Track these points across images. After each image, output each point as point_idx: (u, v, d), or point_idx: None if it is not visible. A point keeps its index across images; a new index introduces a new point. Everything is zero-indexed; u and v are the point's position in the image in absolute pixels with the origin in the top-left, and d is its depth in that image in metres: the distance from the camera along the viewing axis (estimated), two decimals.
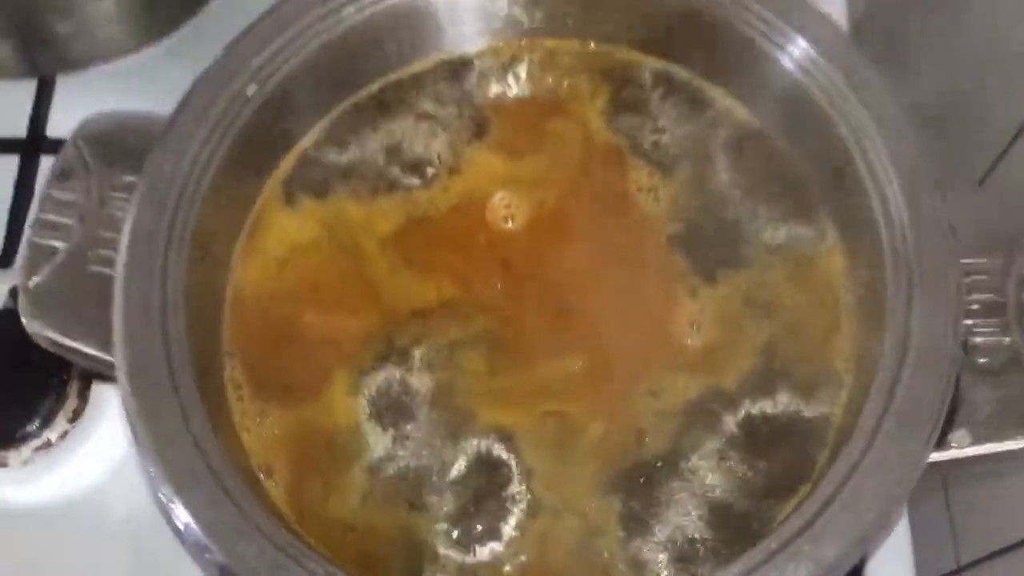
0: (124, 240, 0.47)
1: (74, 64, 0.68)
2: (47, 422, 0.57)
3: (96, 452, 0.58)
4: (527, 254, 0.52)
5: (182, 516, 0.42)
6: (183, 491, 0.42)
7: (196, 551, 0.42)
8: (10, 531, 0.57)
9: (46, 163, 0.66)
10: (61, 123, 0.67)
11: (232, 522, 0.42)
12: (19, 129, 0.67)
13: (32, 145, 0.67)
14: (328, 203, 0.53)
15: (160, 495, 0.43)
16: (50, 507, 0.57)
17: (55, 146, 0.65)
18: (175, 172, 0.48)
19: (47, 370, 0.58)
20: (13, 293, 0.58)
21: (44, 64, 0.68)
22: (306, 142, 0.54)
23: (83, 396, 0.59)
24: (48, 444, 0.58)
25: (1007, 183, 0.54)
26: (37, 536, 0.57)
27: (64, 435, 0.58)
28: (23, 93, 0.68)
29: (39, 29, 0.65)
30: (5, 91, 0.68)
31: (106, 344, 0.45)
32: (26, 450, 0.57)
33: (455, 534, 0.47)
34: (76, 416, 0.59)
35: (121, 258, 0.46)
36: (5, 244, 0.64)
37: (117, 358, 0.44)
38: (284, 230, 0.52)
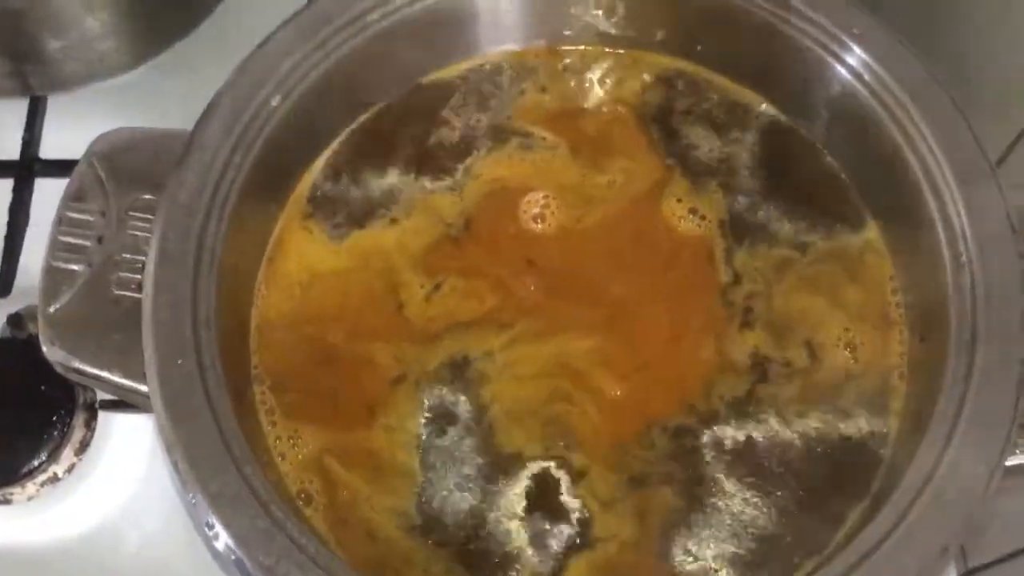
0: (151, 262, 0.45)
1: (67, 83, 0.66)
2: (53, 456, 0.55)
3: (105, 485, 0.56)
4: (562, 256, 0.51)
5: (231, 548, 0.40)
6: (232, 522, 0.41)
7: None
8: (16, 571, 0.55)
9: (40, 185, 0.64)
10: (55, 144, 0.65)
11: (285, 551, 0.40)
12: (11, 151, 0.65)
13: (26, 168, 0.64)
14: (353, 220, 0.52)
15: (206, 528, 0.41)
16: (58, 544, 0.55)
17: (49, 168, 0.63)
18: (201, 189, 0.47)
19: (51, 401, 0.55)
20: (12, 321, 0.56)
21: (36, 83, 0.66)
22: (329, 155, 0.53)
23: (89, 426, 0.57)
24: (55, 478, 0.56)
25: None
26: (45, 574, 0.55)
27: (71, 468, 0.56)
28: (14, 114, 0.65)
29: (31, 47, 0.63)
30: None
31: (134, 371, 0.44)
32: (32, 486, 0.55)
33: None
34: (83, 448, 0.56)
35: (148, 281, 0.45)
36: (3, 270, 0.61)
37: (151, 386, 0.43)
38: (307, 250, 0.51)
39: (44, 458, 0.55)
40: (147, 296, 0.44)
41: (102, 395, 0.56)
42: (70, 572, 0.55)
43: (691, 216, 0.52)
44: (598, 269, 0.51)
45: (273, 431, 0.48)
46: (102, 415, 0.57)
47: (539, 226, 0.52)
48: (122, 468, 0.57)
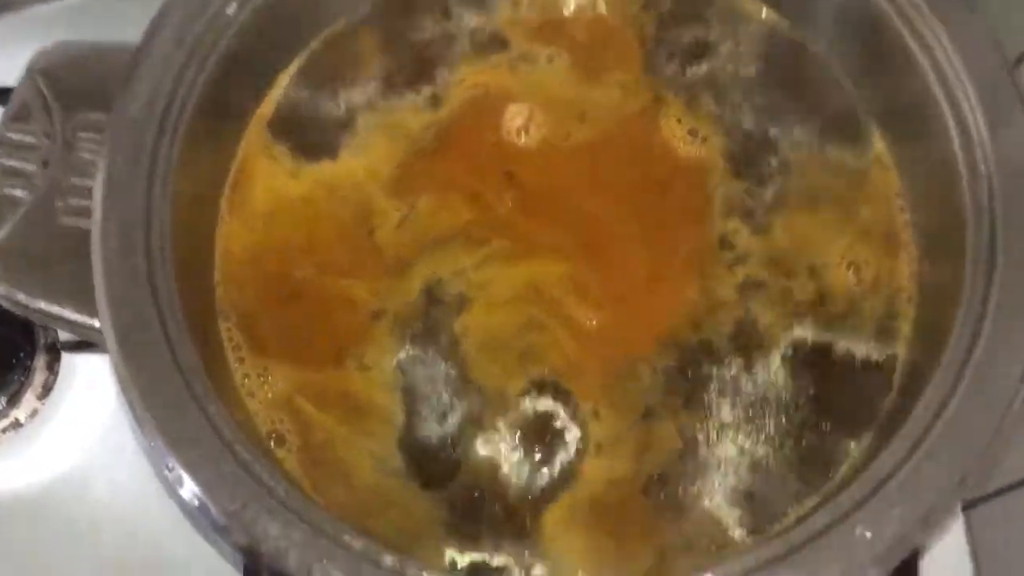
0: (99, 185, 0.42)
1: (10, 3, 0.61)
2: (14, 401, 0.53)
3: (70, 430, 0.54)
4: (543, 174, 0.48)
5: (194, 494, 0.38)
6: (195, 466, 0.38)
7: (212, 532, 0.38)
8: None
9: None
10: (3, 71, 0.61)
11: (252, 497, 0.38)
12: None
13: None
14: (321, 142, 0.49)
15: (167, 472, 0.38)
16: (21, 493, 0.53)
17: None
18: (152, 105, 0.43)
19: (9, 343, 0.53)
20: None
21: None
22: (294, 72, 0.49)
23: (52, 369, 0.55)
24: (16, 424, 0.54)
25: None
26: (9, 525, 0.53)
27: (33, 413, 0.54)
28: None
29: None
30: None
31: (86, 305, 0.41)
32: None
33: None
34: (46, 392, 0.54)
35: (97, 207, 0.41)
36: None
37: (103, 320, 0.40)
38: (272, 176, 0.48)
39: (4, 403, 0.53)
40: (96, 222, 0.41)
41: (65, 335, 0.54)
42: (35, 522, 0.53)
43: (691, 138, 0.48)
44: (582, 191, 0.48)
45: (241, 368, 0.45)
46: (65, 357, 0.55)
47: (522, 139, 0.48)
48: (88, 412, 0.54)
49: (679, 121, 0.49)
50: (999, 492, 0.52)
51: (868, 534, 0.37)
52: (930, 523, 0.37)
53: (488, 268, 0.46)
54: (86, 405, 0.54)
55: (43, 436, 0.54)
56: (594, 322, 0.45)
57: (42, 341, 0.54)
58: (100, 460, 0.53)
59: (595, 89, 0.49)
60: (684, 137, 0.48)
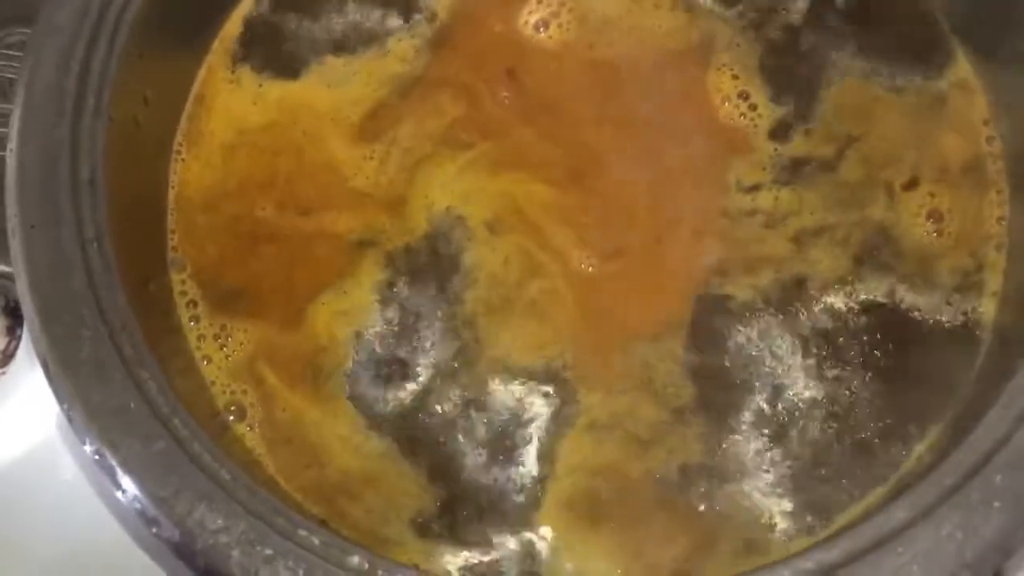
0: (18, 104, 0.36)
1: None
2: None
3: (33, 403, 0.48)
4: (552, 80, 0.41)
5: (117, 476, 0.32)
6: (118, 442, 0.32)
7: (139, 524, 0.32)
8: None
9: None
10: None
11: (188, 481, 0.31)
12: None
13: None
14: (289, 70, 0.43)
15: (87, 449, 0.32)
16: None
17: None
18: (84, 14, 0.37)
19: None
20: None
21: None
22: None
23: (12, 334, 0.49)
24: None
25: None
26: None
27: None
28: None
29: None
30: None
31: (6, 250, 0.36)
32: None
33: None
34: (5, 359, 0.49)
35: (14, 127, 0.35)
36: None
37: (16, 265, 0.35)
38: (235, 109, 0.43)
39: None
40: (12, 149, 0.35)
41: None
42: None
43: (740, 102, 0.41)
44: (589, 113, 0.42)
45: (196, 328, 0.39)
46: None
47: (539, 33, 0.42)
48: None
49: (735, 77, 0.41)
50: None
51: (959, 534, 0.30)
52: None
53: (469, 176, 0.40)
54: None
55: (3, 409, 0.48)
56: (591, 268, 0.39)
57: (1, 303, 0.48)
58: (68, 437, 0.46)
59: (643, 9, 0.42)
60: (732, 98, 0.41)
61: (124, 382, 0.32)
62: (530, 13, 0.42)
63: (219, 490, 0.31)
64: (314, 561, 0.30)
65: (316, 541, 0.31)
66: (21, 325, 0.50)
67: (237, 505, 0.31)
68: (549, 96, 0.41)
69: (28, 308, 0.33)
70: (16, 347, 0.49)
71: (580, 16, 0.42)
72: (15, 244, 0.34)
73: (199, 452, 0.32)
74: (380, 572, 0.30)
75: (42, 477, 0.47)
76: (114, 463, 0.31)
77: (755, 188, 0.40)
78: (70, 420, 0.32)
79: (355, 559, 0.31)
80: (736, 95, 0.41)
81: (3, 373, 0.49)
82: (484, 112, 0.41)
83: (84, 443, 0.32)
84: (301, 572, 0.30)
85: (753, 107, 0.41)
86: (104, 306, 0.33)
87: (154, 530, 0.31)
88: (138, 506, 0.31)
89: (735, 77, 0.41)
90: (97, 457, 0.31)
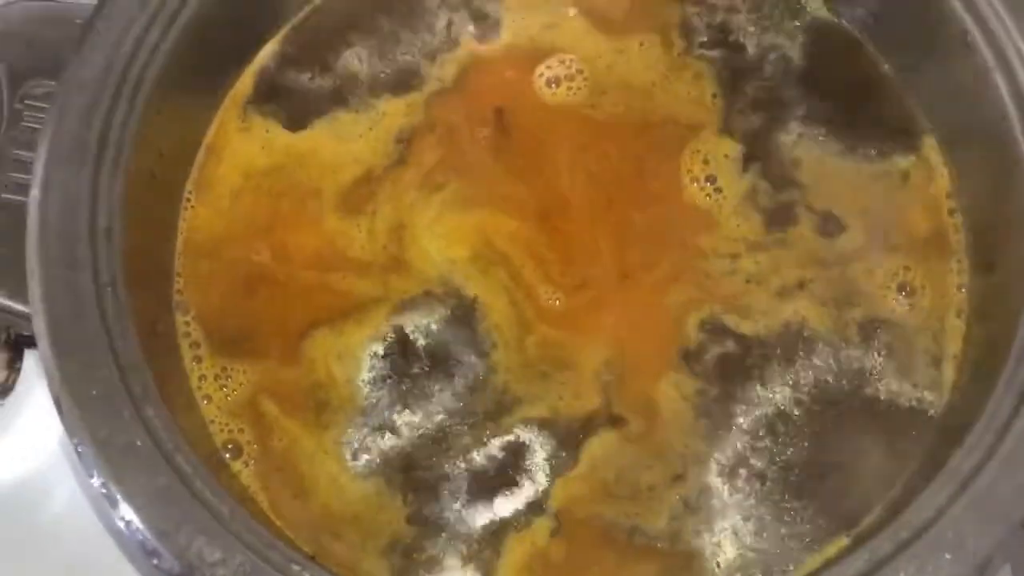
0: (41, 155, 0.38)
1: None
2: None
3: (30, 434, 0.50)
4: (542, 123, 0.43)
5: (121, 509, 0.33)
6: (123, 476, 0.33)
7: (140, 555, 0.33)
8: None
9: None
10: None
11: (189, 515, 0.33)
12: None
13: None
14: (298, 121, 0.45)
15: (93, 483, 0.33)
16: None
17: None
18: (108, 71, 0.39)
19: None
20: None
21: None
22: (276, 44, 0.45)
23: (12, 367, 0.51)
24: None
25: None
26: None
27: None
28: None
29: None
30: None
31: (21, 290, 0.37)
32: None
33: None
34: (5, 391, 0.50)
35: (37, 176, 0.37)
36: None
37: (33, 305, 0.36)
38: (249, 155, 0.44)
39: None
40: (34, 197, 0.37)
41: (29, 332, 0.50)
42: None
43: (707, 184, 0.43)
44: (568, 164, 0.43)
45: (198, 368, 0.41)
46: (28, 354, 0.50)
47: (548, 88, 0.44)
48: (51, 415, 0.49)
49: (705, 163, 0.43)
50: None
51: None
52: (985, 573, 0.32)
53: (447, 216, 0.43)
54: (50, 407, 0.49)
55: (1, 439, 0.50)
56: (557, 303, 0.41)
57: (2, 337, 0.49)
58: (63, 467, 0.49)
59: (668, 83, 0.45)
60: (700, 180, 0.43)
61: (132, 419, 0.34)
62: (548, 68, 0.44)
63: (218, 525, 0.33)
64: None
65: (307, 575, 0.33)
66: (21, 359, 0.51)
67: (234, 539, 0.33)
68: (529, 140, 0.43)
69: (44, 346, 0.35)
70: (15, 380, 0.50)
71: (595, 84, 0.44)
72: (33, 285, 0.36)
73: (200, 488, 0.33)
74: None
75: (35, 507, 0.49)
76: (119, 496, 0.33)
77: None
78: (79, 454, 0.34)
79: None
80: (705, 180, 0.43)
81: (1, 405, 0.50)
82: (460, 151, 0.43)
83: (91, 476, 0.33)
84: None
85: (719, 190, 0.43)
86: (116, 347, 0.35)
87: (155, 561, 0.32)
88: (140, 538, 0.33)
89: (705, 162, 0.43)
90: (104, 490, 0.33)
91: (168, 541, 0.32)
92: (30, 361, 0.50)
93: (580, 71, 0.44)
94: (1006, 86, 0.39)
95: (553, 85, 0.44)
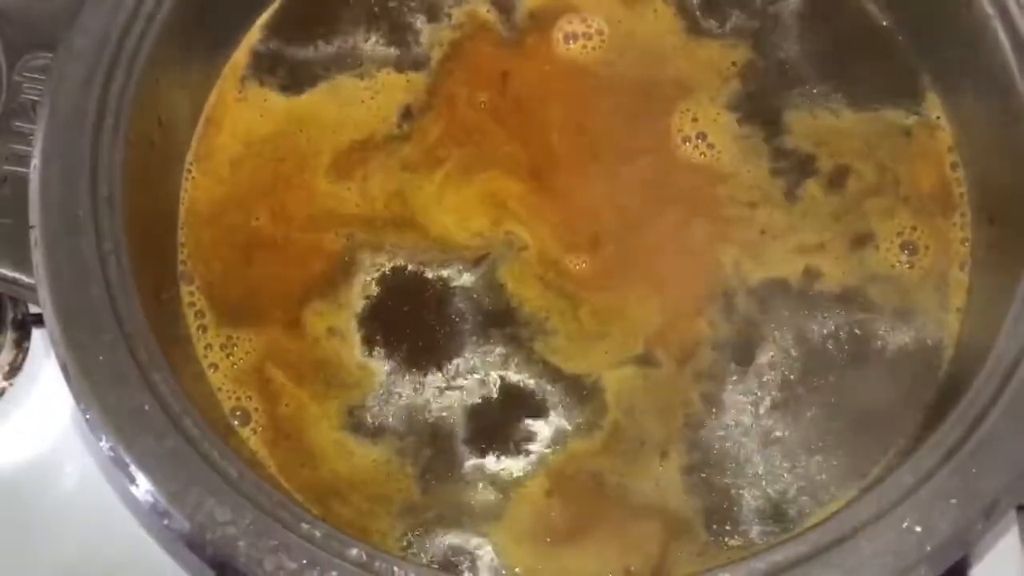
0: (41, 125, 0.38)
1: None
2: None
3: (40, 412, 0.51)
4: (546, 79, 0.43)
5: (131, 472, 0.33)
6: (132, 440, 0.34)
7: (152, 517, 0.34)
8: None
9: None
10: None
11: (198, 477, 0.33)
12: None
13: None
14: (295, 87, 0.45)
15: (103, 446, 0.34)
16: None
17: None
18: (104, 41, 0.39)
19: None
20: None
21: None
22: (271, 14, 0.46)
23: (20, 347, 0.52)
24: None
25: None
26: None
27: (0, 393, 0.50)
28: None
29: None
30: None
31: (24, 262, 0.38)
32: None
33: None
34: (13, 371, 0.51)
35: (38, 147, 0.38)
36: None
37: (38, 274, 0.36)
38: (247, 122, 0.45)
39: None
40: (35, 166, 0.37)
41: (36, 310, 0.50)
42: (1, 507, 0.49)
43: (699, 142, 0.43)
44: (568, 121, 0.44)
45: (203, 337, 0.41)
46: (36, 333, 0.51)
47: (566, 44, 0.44)
48: (60, 394, 0.49)
49: (694, 120, 0.44)
50: None
51: (918, 528, 0.32)
52: (992, 515, 0.32)
53: (450, 189, 0.43)
54: (58, 386, 0.50)
55: (10, 419, 0.50)
56: (584, 265, 0.42)
57: (10, 316, 0.51)
58: (71, 446, 0.50)
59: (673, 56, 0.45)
60: (691, 139, 0.43)
61: (139, 384, 0.34)
62: (569, 24, 0.45)
63: (227, 485, 0.33)
64: (316, 552, 0.32)
65: (317, 534, 0.33)
66: (29, 338, 0.52)
67: (243, 499, 0.33)
68: (531, 100, 0.43)
69: (49, 314, 0.35)
70: (24, 360, 0.51)
71: (615, 44, 0.44)
72: (37, 254, 0.36)
73: (208, 450, 0.34)
74: (377, 563, 0.32)
75: (47, 484, 0.49)
76: (128, 460, 0.33)
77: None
78: (87, 419, 0.34)
79: (354, 551, 0.33)
80: (695, 136, 0.43)
81: (11, 384, 0.51)
82: (457, 121, 0.43)
83: (100, 440, 0.34)
84: (304, 562, 0.32)
85: (711, 146, 0.43)
86: (121, 314, 0.35)
87: (166, 522, 0.33)
88: (151, 500, 0.33)
89: (695, 120, 0.43)
90: (112, 454, 0.33)
91: (178, 502, 0.33)
92: (38, 341, 0.51)
93: (600, 31, 0.44)
94: (1006, 35, 0.39)
95: (571, 40, 0.44)
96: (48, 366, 0.51)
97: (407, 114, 0.44)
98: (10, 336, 0.51)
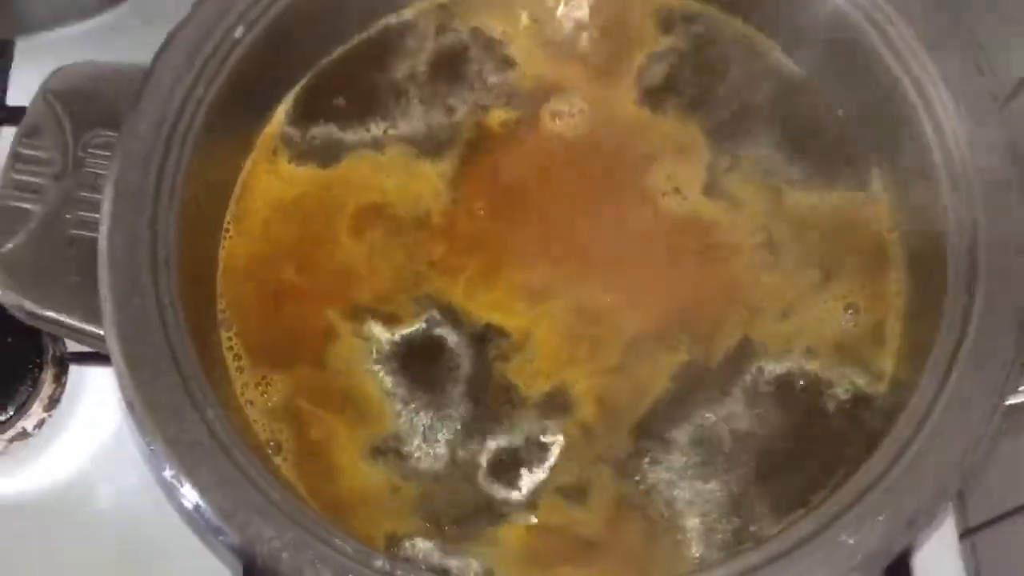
0: (107, 198, 0.43)
1: (34, 26, 0.63)
2: (21, 411, 0.54)
3: (76, 440, 0.55)
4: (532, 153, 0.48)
5: (191, 496, 0.38)
6: (192, 468, 0.39)
7: (208, 533, 0.39)
8: None
9: (8, 134, 0.61)
10: (23, 90, 0.62)
11: (247, 499, 0.38)
12: None
13: None
14: (326, 160, 0.50)
15: (166, 474, 0.39)
16: (29, 500, 0.54)
17: (16, 116, 0.60)
18: (161, 123, 0.44)
19: (18, 354, 0.54)
20: None
21: (2, 27, 0.63)
22: (299, 91, 0.51)
23: (59, 381, 0.56)
24: (24, 434, 0.54)
25: None
26: (15, 530, 0.53)
27: (41, 424, 0.55)
28: None
29: None
30: None
31: (92, 314, 0.42)
32: (0, 441, 0.54)
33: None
34: (53, 403, 0.55)
35: (105, 216, 0.42)
36: None
37: (107, 327, 0.41)
38: (277, 190, 0.49)
39: (12, 413, 0.53)
40: (103, 234, 0.42)
41: (73, 347, 0.55)
42: (39, 529, 0.53)
43: (674, 194, 0.49)
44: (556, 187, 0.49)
45: (240, 377, 0.46)
46: (73, 369, 0.55)
47: (553, 123, 0.49)
48: (94, 423, 0.55)
49: (668, 177, 0.49)
50: (1000, 518, 0.52)
51: (851, 541, 0.38)
52: (912, 528, 0.38)
53: (476, 294, 0.47)
54: (92, 417, 0.55)
55: (49, 447, 0.54)
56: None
57: (50, 353, 0.55)
58: (105, 471, 0.54)
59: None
60: (668, 192, 0.49)
61: (194, 419, 0.39)
62: (556, 103, 0.50)
63: (271, 506, 0.38)
64: (347, 564, 0.37)
65: (348, 549, 0.38)
66: (66, 373, 0.55)
67: (285, 518, 0.38)
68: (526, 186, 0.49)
69: (117, 360, 0.40)
70: (62, 393, 0.55)
71: (596, 115, 0.49)
72: (106, 309, 0.41)
73: (255, 476, 0.39)
74: (399, 573, 0.38)
75: (82, 504, 0.54)
76: (189, 484, 0.38)
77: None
78: (152, 451, 0.39)
79: (379, 562, 0.38)
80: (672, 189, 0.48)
81: (50, 416, 0.55)
82: (463, 234, 0.48)
83: (164, 469, 0.38)
84: (336, 571, 0.37)
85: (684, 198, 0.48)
86: (178, 358, 0.40)
87: (221, 538, 0.38)
88: (208, 518, 0.38)
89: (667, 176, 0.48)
90: (175, 481, 0.38)
91: (231, 521, 0.38)
92: (74, 376, 0.55)
93: (581, 110, 0.49)
94: (928, 122, 0.44)
95: (557, 119, 0.49)
96: (83, 399, 0.55)
97: (426, 211, 0.48)
98: (50, 372, 0.55)
